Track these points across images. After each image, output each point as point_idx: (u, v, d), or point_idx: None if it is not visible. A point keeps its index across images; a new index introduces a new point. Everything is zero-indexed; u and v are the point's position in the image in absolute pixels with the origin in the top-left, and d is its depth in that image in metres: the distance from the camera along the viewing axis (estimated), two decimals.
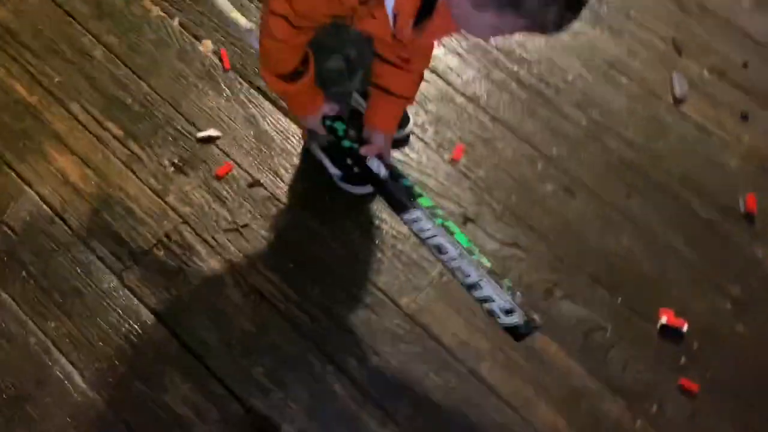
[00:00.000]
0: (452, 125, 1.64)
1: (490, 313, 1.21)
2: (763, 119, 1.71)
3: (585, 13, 0.87)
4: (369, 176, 1.31)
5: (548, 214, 1.55)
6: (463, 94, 1.68)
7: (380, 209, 1.51)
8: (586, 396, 1.36)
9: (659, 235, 1.54)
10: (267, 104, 1.62)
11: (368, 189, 1.50)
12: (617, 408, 1.35)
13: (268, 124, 1.60)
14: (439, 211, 1.26)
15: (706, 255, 1.52)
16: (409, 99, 1.31)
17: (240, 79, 1.65)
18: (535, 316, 1.19)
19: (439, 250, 1.23)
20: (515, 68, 1.73)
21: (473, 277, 1.20)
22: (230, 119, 1.59)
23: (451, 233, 1.22)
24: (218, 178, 1.52)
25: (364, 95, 1.53)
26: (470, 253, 1.21)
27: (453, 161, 1.59)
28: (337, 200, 1.52)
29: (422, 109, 1.64)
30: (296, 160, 1.56)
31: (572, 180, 1.59)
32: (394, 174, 1.30)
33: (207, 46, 1.68)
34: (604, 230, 1.54)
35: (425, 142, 1.61)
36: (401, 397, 1.33)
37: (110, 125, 1.56)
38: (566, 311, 1.44)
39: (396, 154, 1.56)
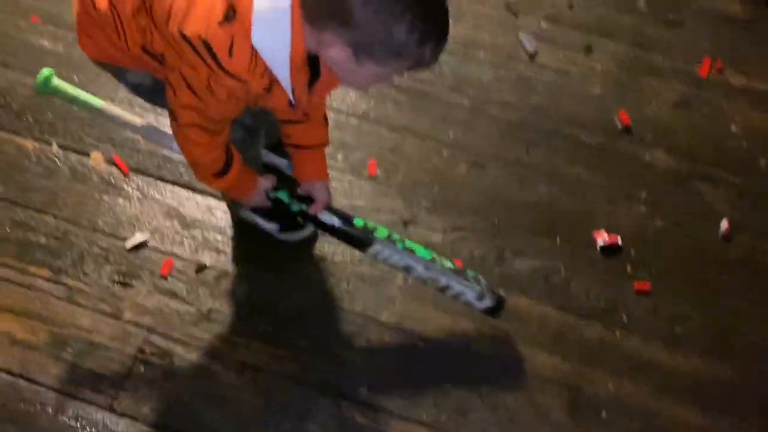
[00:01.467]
0: (356, 146, 1.73)
1: (467, 304, 1.39)
2: (603, 45, 1.95)
3: None
4: (324, 228, 1.38)
5: (470, 191, 1.69)
6: (353, 115, 1.78)
7: (325, 242, 1.58)
8: (567, 331, 1.51)
9: (565, 173, 1.73)
10: (179, 190, 1.63)
11: (307, 232, 1.56)
12: (596, 330, 1.51)
13: (187, 208, 1.61)
14: (395, 236, 1.37)
15: (608, 174, 1.73)
16: (325, 143, 1.37)
17: (143, 177, 1.64)
18: (500, 292, 1.42)
19: (407, 270, 1.37)
20: None
21: (443, 281, 1.37)
22: (151, 218, 1.59)
23: (412, 251, 1.35)
24: (164, 277, 1.52)
25: (271, 147, 1.59)
26: (433, 261, 1.36)
27: (371, 177, 1.69)
28: (284, 250, 1.56)
29: None
30: (229, 230, 1.59)
31: (477, 155, 1.74)
32: (345, 218, 1.37)
33: (97, 158, 1.66)
34: (521, 186, 1.70)
35: (340, 169, 1.69)
36: (420, 402, 1.41)
37: (33, 269, 1.51)
38: (521, 267, 1.59)
39: None
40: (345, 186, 1.67)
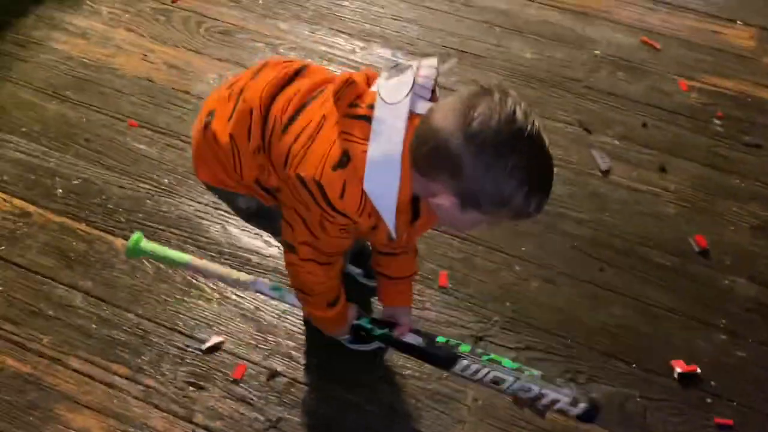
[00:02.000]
0: (427, 256, 1.75)
1: (561, 412, 1.28)
2: (677, 166, 1.95)
3: None
4: (409, 351, 1.38)
5: (542, 308, 1.68)
6: None
7: (395, 356, 1.58)
8: None
9: (640, 294, 1.70)
10: (256, 295, 1.68)
11: (378, 343, 1.58)
12: None
13: (265, 312, 1.65)
14: (479, 350, 1.33)
15: (685, 299, 1.69)
16: (414, 274, 1.40)
17: None
18: (593, 395, 1.32)
19: (495, 383, 1.29)
20: None
21: (535, 390, 1.27)
22: (228, 321, 1.63)
23: (498, 362, 1.30)
24: (237, 381, 1.54)
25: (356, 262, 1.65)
26: (521, 371, 1.29)
27: (442, 288, 1.70)
28: (354, 361, 1.57)
29: None
30: (302, 337, 1.62)
31: (549, 271, 1.74)
32: (428, 337, 1.37)
33: None
34: (594, 306, 1.68)
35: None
36: None
37: (115, 367, 1.56)
38: (595, 392, 1.54)
39: None
40: (415, 296, 1.68)
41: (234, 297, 1.67)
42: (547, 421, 1.49)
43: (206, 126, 1.21)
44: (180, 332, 1.62)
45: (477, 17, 2.35)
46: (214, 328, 1.63)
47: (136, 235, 1.46)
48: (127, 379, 1.55)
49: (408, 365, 1.57)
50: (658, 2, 2.41)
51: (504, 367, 1.30)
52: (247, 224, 1.73)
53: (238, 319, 1.64)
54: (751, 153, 1.99)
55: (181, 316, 1.64)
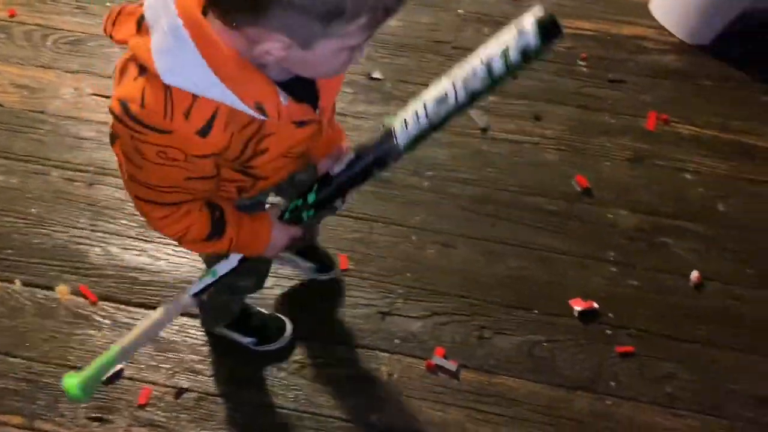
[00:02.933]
0: (324, 243, 1.73)
1: (523, 53, 0.88)
2: (551, 112, 2.00)
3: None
4: (354, 175, 1.04)
5: (443, 273, 1.69)
6: None
7: (307, 347, 1.55)
8: (558, 406, 1.50)
9: (532, 242, 1.74)
10: (148, 313, 1.60)
11: (284, 341, 1.55)
12: (586, 401, 1.50)
13: (161, 331, 1.58)
14: (402, 111, 0.99)
15: (575, 239, 1.75)
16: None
17: (112, 304, 1.61)
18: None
19: (442, 101, 0.94)
20: None
21: (479, 62, 0.92)
22: None
23: (426, 93, 0.96)
24: (143, 406, 1.47)
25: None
26: (446, 75, 0.95)
27: (343, 271, 1.69)
28: (263, 361, 1.54)
29: None
30: (205, 349, 1.56)
31: (443, 236, 1.75)
32: (355, 154, 1.04)
33: (63, 291, 1.62)
34: (491, 262, 1.71)
35: (310, 267, 1.68)
36: None
37: (8, 419, 1.45)
38: (503, 345, 1.58)
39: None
40: (316, 283, 1.66)
41: (126, 320, 1.59)
42: (462, 381, 1.51)
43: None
44: (73, 367, 1.52)
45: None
46: None
47: (68, 382, 1.13)
48: (23, 429, 1.45)
49: (317, 354, 1.55)
50: None
51: (435, 88, 0.96)
52: (130, 242, 1.65)
53: None
54: (616, 89, 2.07)
55: (72, 350, 1.55)
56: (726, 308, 1.63)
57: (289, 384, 1.52)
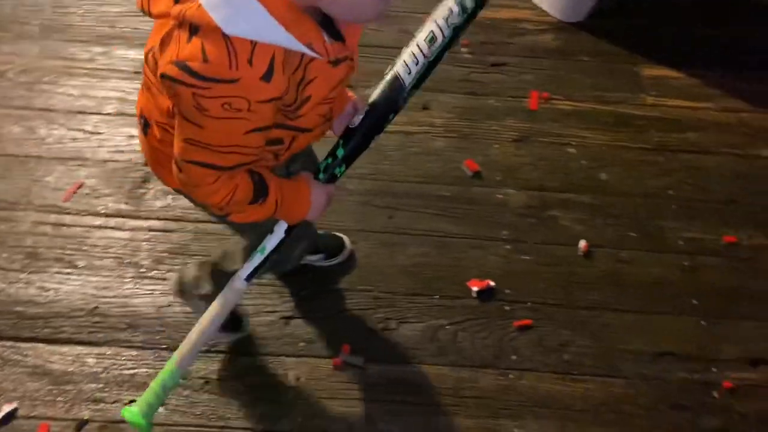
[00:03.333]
0: None
1: (464, 18, 1.12)
2: (440, 101, 2.04)
3: None
4: (374, 122, 1.15)
5: (343, 269, 1.70)
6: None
7: (210, 362, 1.53)
8: (464, 387, 1.53)
9: (429, 229, 1.78)
10: (40, 347, 1.54)
11: (347, 254, 1.67)
12: (490, 378, 1.55)
13: (54, 363, 1.52)
14: (399, 56, 1.15)
15: (469, 222, 1.79)
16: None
17: None
18: None
19: (432, 40, 1.12)
20: None
21: (438, 21, 1.12)
22: (16, 383, 1.49)
23: (410, 45, 1.14)
24: None
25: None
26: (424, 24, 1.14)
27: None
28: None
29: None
30: (105, 375, 1.51)
31: (344, 232, 1.76)
32: (369, 104, 1.15)
33: None
34: (391, 253, 1.73)
35: None
36: None
37: None
38: (408, 332, 1.61)
39: None
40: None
41: (15, 357, 1.52)
42: (370, 374, 1.53)
43: (145, 130, 1.10)
44: None
45: None
46: (2, 396, 1.47)
47: (128, 413, 1.17)
48: None
49: (220, 368, 1.53)
50: None
51: (415, 41, 1.13)
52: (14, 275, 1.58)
53: (27, 379, 1.50)
54: (499, 72, 2.13)
55: None
56: (614, 272, 1.71)
57: (195, 401, 1.49)
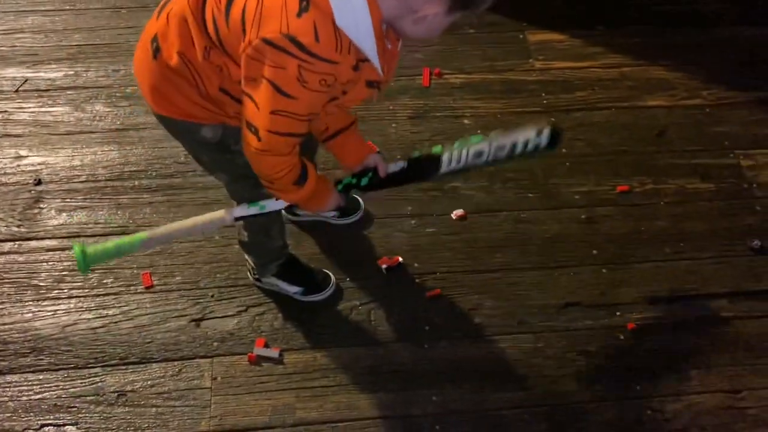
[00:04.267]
0: (122, 263, 1.66)
1: (535, 148, 1.39)
2: None
3: None
4: (400, 181, 1.39)
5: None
6: (109, 234, 1.72)
7: (121, 374, 1.50)
8: (381, 364, 1.55)
9: None
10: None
11: (329, 292, 1.63)
12: (406, 351, 1.57)
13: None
14: (449, 145, 1.36)
15: (375, 202, 1.79)
16: (356, 118, 1.38)
17: None
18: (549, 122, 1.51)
19: (479, 156, 1.36)
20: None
21: (507, 143, 1.37)
22: None
23: (467, 141, 1.36)
24: None
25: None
26: (487, 137, 1.37)
27: (148, 288, 1.64)
28: (75, 387, 1.46)
29: None
30: (12, 405, 1.46)
31: None
32: (405, 159, 1.38)
33: None
34: (300, 242, 1.72)
35: (114, 293, 1.62)
36: None
37: None
38: (322, 317, 1.61)
39: None
40: (123, 308, 1.61)
41: None
42: (287, 364, 1.53)
43: (155, 54, 1.15)
44: None
45: (97, 5, 2.22)
46: None
47: (77, 248, 1.23)
48: None
49: (133, 379, 1.50)
50: None
51: (474, 143, 1.36)
52: None
53: None
54: None
55: None
56: (515, 233, 1.76)
57: (109, 415, 1.46)
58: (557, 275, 1.70)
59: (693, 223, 1.79)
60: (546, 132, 1.39)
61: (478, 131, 1.96)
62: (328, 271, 1.66)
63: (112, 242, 1.27)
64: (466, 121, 1.99)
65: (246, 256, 1.61)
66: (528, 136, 1.38)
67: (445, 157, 1.35)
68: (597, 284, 1.68)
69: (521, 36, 2.20)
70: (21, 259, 1.68)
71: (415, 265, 1.70)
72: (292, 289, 1.60)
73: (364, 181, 1.37)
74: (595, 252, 1.73)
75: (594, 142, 1.95)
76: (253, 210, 1.31)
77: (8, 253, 1.69)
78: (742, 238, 1.76)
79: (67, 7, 2.20)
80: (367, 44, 1.02)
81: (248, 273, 1.64)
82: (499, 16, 2.25)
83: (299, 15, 0.96)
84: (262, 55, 1.00)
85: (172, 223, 1.33)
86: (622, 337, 1.60)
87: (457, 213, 1.78)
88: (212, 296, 1.64)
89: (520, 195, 1.83)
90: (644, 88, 2.07)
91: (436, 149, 1.37)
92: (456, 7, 1.02)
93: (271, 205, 1.31)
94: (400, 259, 1.70)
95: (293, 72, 0.99)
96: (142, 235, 1.29)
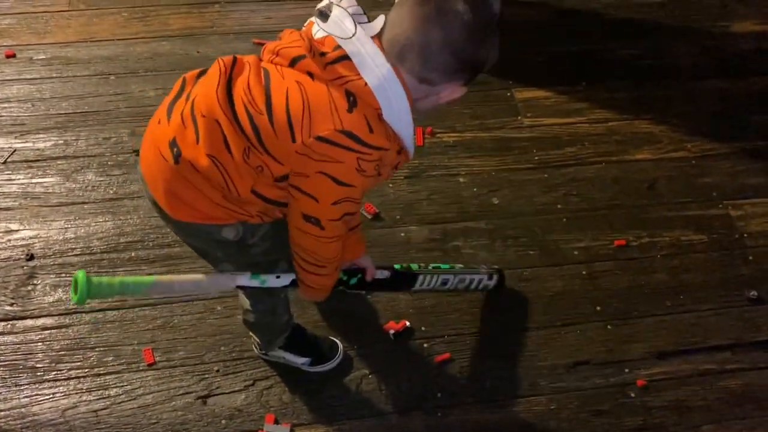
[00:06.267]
0: (123, 341, 1.62)
1: (485, 288, 1.69)
2: None
3: None
4: (381, 287, 1.52)
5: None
6: (111, 309, 1.67)
7: None
8: None
9: None
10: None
11: (338, 360, 1.61)
12: (419, 420, 1.55)
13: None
14: (422, 265, 1.57)
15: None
16: (359, 223, 1.38)
17: None
18: (494, 266, 1.74)
19: (444, 284, 1.58)
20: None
21: (467, 279, 1.61)
22: None
23: (438, 267, 1.58)
24: None
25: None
26: (453, 268, 1.61)
27: (151, 365, 1.59)
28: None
29: None
30: None
31: None
32: (388, 268, 1.49)
33: None
34: (303, 309, 1.70)
35: (116, 372, 1.57)
36: None
37: None
38: (332, 390, 1.58)
39: None
40: (126, 388, 1.55)
41: None
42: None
43: (177, 159, 1.10)
44: None
45: (84, 72, 2.19)
46: None
47: (80, 275, 1.15)
48: None
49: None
50: (260, 3, 2.47)
51: (443, 269, 1.57)
52: None
53: None
54: None
55: None
56: (519, 292, 1.77)
57: None
58: (564, 334, 1.70)
59: (690, 275, 1.83)
60: (495, 278, 1.68)
61: (474, 189, 1.98)
62: (334, 339, 1.64)
63: (118, 278, 1.21)
64: (461, 180, 2.01)
65: (251, 333, 1.58)
66: (482, 277, 1.65)
67: (419, 279, 1.52)
68: (603, 341, 1.69)
69: (508, 94, 2.25)
70: (16, 339, 1.62)
71: (423, 328, 1.69)
72: (300, 361, 1.58)
73: (353, 281, 1.42)
74: (598, 308, 1.75)
75: (588, 197, 1.98)
76: (254, 282, 1.30)
77: (1, 333, 1.63)
78: (739, 289, 1.80)
79: (54, 75, 2.18)
80: (407, 132, 1.10)
81: (253, 346, 1.61)
82: (485, 75, 2.29)
83: (350, 110, 1.02)
84: (316, 152, 1.03)
85: (178, 275, 1.35)
86: (633, 395, 1.61)
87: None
88: (218, 371, 1.60)
89: (520, 253, 1.85)
90: (631, 141, 2.13)
91: (414, 266, 1.54)
92: (471, 79, 1.10)
93: (272, 281, 1.31)
94: (407, 323, 1.69)
95: (352, 164, 1.05)
96: (150, 278, 1.25)
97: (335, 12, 1.05)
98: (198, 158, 1.09)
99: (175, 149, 1.11)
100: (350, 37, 1.03)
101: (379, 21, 1.06)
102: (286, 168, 1.08)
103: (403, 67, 1.04)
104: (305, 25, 1.11)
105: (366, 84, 1.02)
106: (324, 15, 1.06)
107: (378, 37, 1.05)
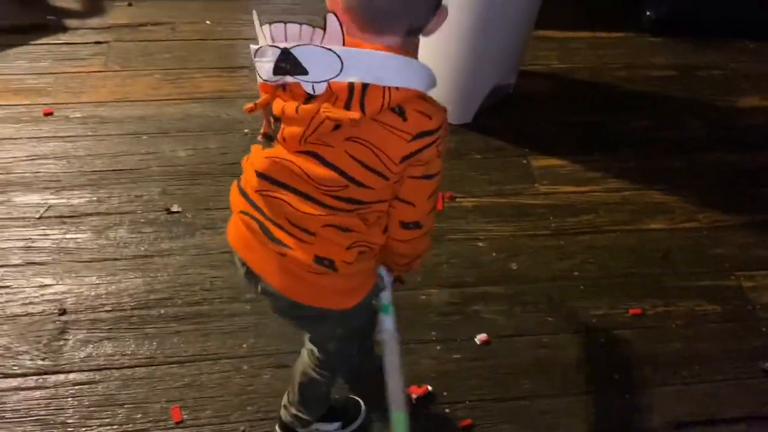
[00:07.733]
0: (151, 398, 1.65)
1: None
2: None
3: None
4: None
5: (280, 396, 1.69)
6: (139, 366, 1.71)
7: None
8: None
9: None
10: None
11: (364, 416, 1.64)
12: None
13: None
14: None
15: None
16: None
17: None
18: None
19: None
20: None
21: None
22: None
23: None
24: None
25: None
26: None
27: (178, 424, 1.62)
28: None
29: None
30: None
31: (277, 356, 1.75)
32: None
33: None
34: None
35: (143, 430, 1.59)
36: None
37: None
38: None
39: None
40: None
41: None
42: None
43: (333, 268, 1.11)
44: None
45: (118, 131, 2.28)
46: None
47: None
48: None
49: None
50: None
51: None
52: None
53: None
54: None
55: None
56: (539, 358, 1.81)
57: None
58: (582, 401, 1.73)
59: (705, 345, 1.87)
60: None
61: (493, 254, 2.04)
62: (354, 396, 1.66)
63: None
64: (480, 244, 2.07)
65: (294, 411, 1.53)
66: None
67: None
68: (622, 411, 1.72)
69: (524, 161, 2.33)
70: (46, 394, 1.65)
71: (444, 393, 1.72)
72: (332, 427, 1.60)
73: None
74: (616, 377, 1.79)
75: (604, 265, 2.04)
76: (388, 317, 1.33)
77: (33, 388, 1.66)
78: (753, 360, 1.84)
79: (89, 133, 2.26)
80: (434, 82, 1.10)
81: (286, 415, 1.57)
82: (502, 142, 2.39)
83: (405, 119, 1.01)
84: (407, 168, 1.06)
85: (390, 379, 1.34)
86: None
87: (481, 338, 1.83)
88: (243, 431, 1.62)
89: (539, 319, 1.89)
90: (645, 211, 2.20)
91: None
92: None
93: (385, 297, 1.32)
94: (429, 387, 1.72)
95: (433, 154, 1.06)
96: (395, 418, 1.32)
97: (307, 61, 0.98)
98: (345, 256, 1.10)
99: (326, 261, 1.10)
100: (340, 72, 0.98)
101: (332, 21, 0.96)
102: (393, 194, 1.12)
103: (388, 38, 1.01)
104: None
105: (391, 91, 0.99)
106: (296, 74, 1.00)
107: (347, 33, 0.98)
